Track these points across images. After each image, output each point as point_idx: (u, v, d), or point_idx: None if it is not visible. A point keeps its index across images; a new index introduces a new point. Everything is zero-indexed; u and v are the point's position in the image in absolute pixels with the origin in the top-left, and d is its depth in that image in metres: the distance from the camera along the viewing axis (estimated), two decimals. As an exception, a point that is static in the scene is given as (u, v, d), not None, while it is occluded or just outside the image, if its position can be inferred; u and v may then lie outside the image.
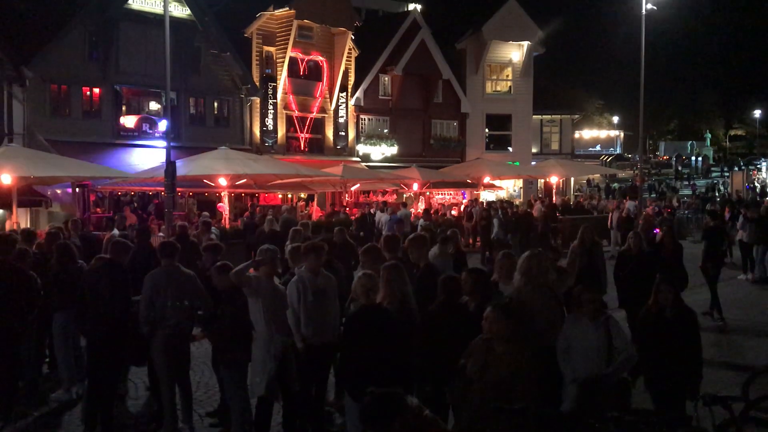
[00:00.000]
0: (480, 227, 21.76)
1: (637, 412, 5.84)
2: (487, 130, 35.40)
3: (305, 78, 28.67)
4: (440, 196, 32.19)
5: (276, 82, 27.30)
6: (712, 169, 69.18)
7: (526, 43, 34.66)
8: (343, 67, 29.05)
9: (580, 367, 5.58)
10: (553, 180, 31.56)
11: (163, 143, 19.90)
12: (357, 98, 30.27)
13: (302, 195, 27.33)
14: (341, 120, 29.66)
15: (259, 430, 6.36)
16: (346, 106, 29.81)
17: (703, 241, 13.34)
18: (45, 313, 7.91)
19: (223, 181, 18.29)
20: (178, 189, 17.64)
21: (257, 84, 26.74)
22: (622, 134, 48.85)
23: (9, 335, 7.14)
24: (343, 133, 29.76)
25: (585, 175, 45.42)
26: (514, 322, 5.14)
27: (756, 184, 51.59)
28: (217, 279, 6.66)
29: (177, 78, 22.30)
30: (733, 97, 76.84)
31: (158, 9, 21.94)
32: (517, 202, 31.28)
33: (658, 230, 14.28)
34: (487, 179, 28.38)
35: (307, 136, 28.84)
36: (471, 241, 23.06)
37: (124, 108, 24.08)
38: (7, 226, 14.71)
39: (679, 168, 66.04)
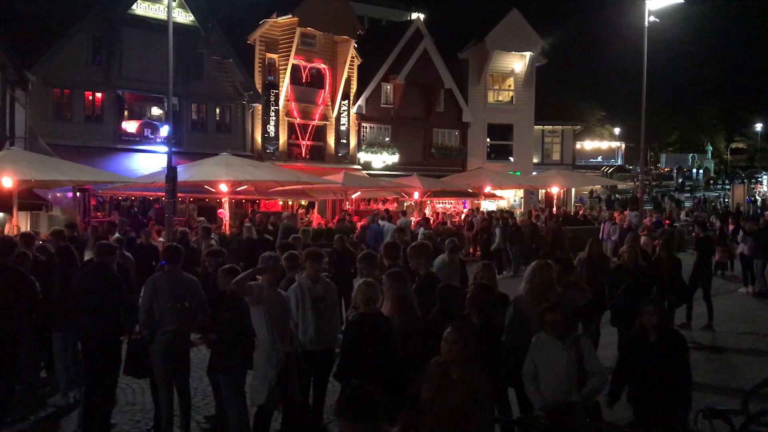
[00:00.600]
0: (480, 237, 21.75)
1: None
2: (488, 139, 35.44)
3: (307, 85, 28.72)
4: (440, 205, 32.21)
5: (278, 89, 27.36)
6: (713, 181, 69.23)
7: (528, 54, 34.75)
8: (345, 75, 29.10)
9: (549, 392, 5.24)
10: (554, 190, 31.57)
11: (164, 148, 19.94)
12: (359, 106, 30.32)
13: (303, 202, 27.33)
14: (343, 128, 29.70)
15: (257, 439, 6.31)
16: (348, 114, 29.86)
17: (695, 252, 13.41)
18: (44, 317, 7.88)
19: (224, 187, 18.30)
20: (178, 194, 17.64)
21: (259, 91, 26.79)
22: (623, 146, 48.97)
23: (7, 338, 7.12)
24: (344, 141, 29.79)
25: (586, 186, 45.48)
26: (474, 346, 4.70)
27: (757, 197, 51.62)
28: (223, 282, 6.64)
29: (179, 84, 22.35)
30: (735, 110, 77.02)
31: (162, 15, 22.00)
32: (517, 212, 31.29)
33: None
34: (488, 189, 28.40)
35: (308, 143, 28.88)
36: (471, 250, 23.04)
37: (126, 113, 24.12)
38: (6, 229, 14.70)
39: (680, 180, 66.09)
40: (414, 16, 36.12)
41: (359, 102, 30.27)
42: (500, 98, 36.08)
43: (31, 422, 7.40)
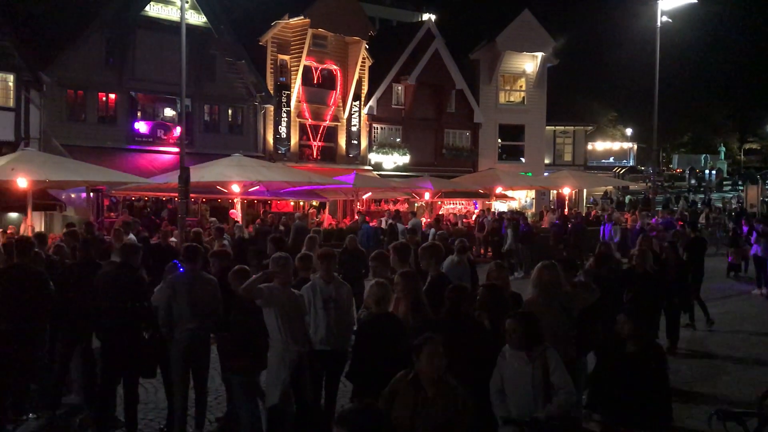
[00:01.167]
0: (491, 238, 21.71)
1: None
2: (499, 140, 35.38)
3: (319, 86, 28.79)
4: (451, 206, 32.18)
5: (290, 91, 27.44)
6: (725, 182, 68.71)
7: (540, 54, 34.68)
8: (356, 76, 29.15)
9: (514, 407, 4.94)
10: (566, 191, 31.47)
11: (176, 149, 20.05)
12: (370, 107, 30.36)
13: (314, 203, 27.40)
14: (354, 128, 29.74)
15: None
16: (359, 115, 29.90)
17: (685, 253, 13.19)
18: (59, 316, 7.94)
19: (236, 188, 18.37)
20: (191, 195, 17.73)
21: (271, 92, 26.88)
22: (635, 147, 48.72)
23: (24, 337, 7.18)
24: (355, 142, 29.84)
25: (597, 187, 45.26)
26: (447, 359, 4.38)
27: (770, 198, 51.11)
28: (234, 284, 6.68)
29: (192, 85, 22.47)
30: (748, 110, 76.34)
31: (175, 16, 22.14)
32: (529, 213, 31.20)
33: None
34: (499, 189, 28.34)
35: (319, 144, 28.94)
36: (482, 251, 23.01)
37: (139, 114, 24.26)
38: (21, 229, 14.83)
39: (693, 181, 65.62)
40: (425, 17, 36.12)
41: (370, 103, 30.31)
42: (512, 99, 36.02)
43: (45, 420, 7.44)
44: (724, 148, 76.22)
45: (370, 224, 20.24)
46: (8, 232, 15.23)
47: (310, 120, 28.49)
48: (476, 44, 34.44)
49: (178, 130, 21.89)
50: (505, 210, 28.88)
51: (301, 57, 27.31)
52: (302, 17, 26.77)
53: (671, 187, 63.58)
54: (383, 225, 22.10)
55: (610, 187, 49.38)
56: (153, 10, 23.01)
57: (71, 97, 22.48)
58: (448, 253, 8.73)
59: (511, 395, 4.95)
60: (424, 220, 24.38)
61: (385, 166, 30.80)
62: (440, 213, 28.90)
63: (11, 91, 20.72)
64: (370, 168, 29.83)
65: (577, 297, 6.57)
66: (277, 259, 6.46)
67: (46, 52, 21.18)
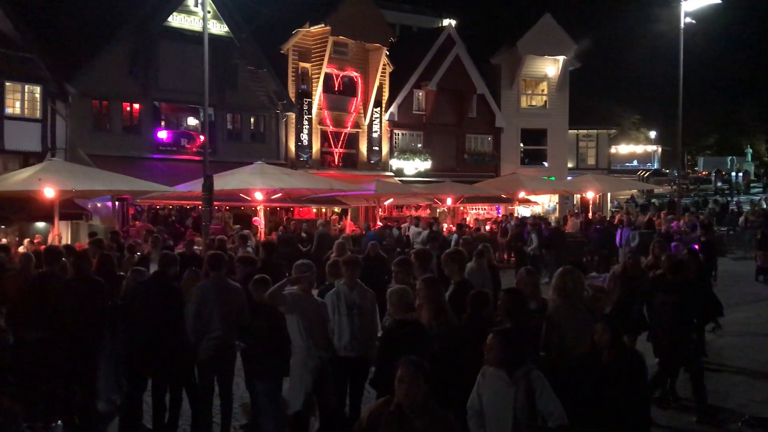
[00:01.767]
0: (514, 243, 21.56)
1: None
2: (522, 144, 35.20)
3: (340, 93, 28.89)
4: (474, 211, 32.06)
5: (311, 98, 27.57)
6: (753, 184, 67.65)
7: (561, 58, 34.48)
8: (377, 83, 29.21)
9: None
10: (590, 195, 31.19)
11: (200, 158, 20.21)
12: (391, 113, 30.39)
13: (336, 209, 27.46)
14: (375, 135, 29.79)
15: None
16: (380, 121, 29.94)
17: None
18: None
19: (259, 196, 18.47)
20: (215, 203, 17.86)
21: (293, 100, 27.03)
22: (659, 149, 48.07)
23: (79, 346, 7.15)
24: (376, 148, 29.88)
25: (622, 191, 44.83)
26: (431, 383, 4.05)
27: (799, 200, 50.22)
28: (256, 293, 6.71)
29: (214, 94, 22.65)
30: (776, 111, 75.16)
31: (197, 26, 22.38)
32: (552, 217, 30.98)
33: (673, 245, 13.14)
34: (522, 194, 28.17)
35: (341, 150, 29.03)
36: (505, 256, 22.88)
37: (162, 123, 24.53)
38: (49, 239, 15.04)
39: (719, 183, 64.72)
40: (446, 22, 36.04)
41: (391, 109, 30.34)
42: (533, 103, 35.83)
43: (74, 426, 7.49)
44: (750, 150, 75.00)
45: (393, 227, 20.27)
46: (35, 241, 15.48)
47: (331, 127, 28.59)
48: (497, 49, 34.32)
49: (201, 139, 22.08)
50: (528, 215, 28.70)
51: (322, 64, 27.44)
52: (323, 25, 26.90)
53: (697, 190, 62.79)
54: (406, 232, 22.08)
55: (634, 191, 48.91)
56: (176, 21, 23.29)
57: (96, 108, 22.79)
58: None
59: (490, 418, 4.56)
60: (445, 226, 24.34)
61: (407, 171, 30.79)
62: (465, 218, 28.81)
63: (38, 103, 21.08)
64: (391, 174, 29.84)
65: (599, 301, 6.53)
66: (299, 266, 6.50)
67: (72, 64, 21.51)
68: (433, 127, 31.83)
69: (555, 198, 35.81)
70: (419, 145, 31.66)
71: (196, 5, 23.45)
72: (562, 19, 34.66)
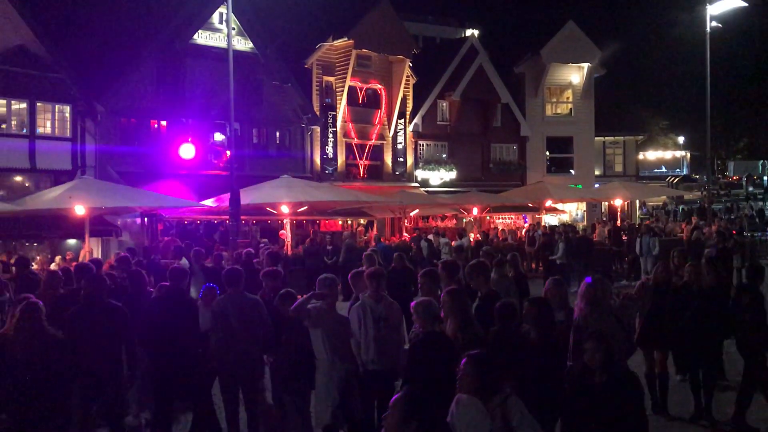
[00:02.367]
0: (542, 252, 21.38)
1: None
2: (547, 152, 34.97)
3: (364, 106, 29.01)
4: (500, 221, 31.88)
5: (335, 111, 27.72)
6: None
7: (586, 65, 34.24)
8: (401, 95, 29.28)
9: None
10: (618, 203, 30.82)
11: (226, 173, 20.41)
12: (415, 124, 30.42)
13: (362, 221, 27.51)
14: (400, 146, 29.83)
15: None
16: (405, 133, 29.98)
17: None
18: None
19: (285, 209, 18.58)
20: (242, 217, 18.00)
21: (317, 113, 27.20)
22: (688, 155, 47.49)
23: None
24: (401, 159, 29.91)
25: (651, 198, 44.23)
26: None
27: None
28: (281, 307, 6.73)
29: (240, 109, 22.85)
30: (807, 113, 73.76)
31: (222, 43, 22.66)
32: (580, 225, 30.67)
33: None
34: (549, 203, 27.97)
35: (366, 162, 29.11)
36: (534, 265, 22.71)
37: (190, 139, 24.79)
38: (81, 256, 15.27)
39: (750, 188, 63.55)
40: (468, 32, 36.11)
41: (415, 120, 30.38)
42: (559, 111, 35.61)
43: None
44: (783, 153, 73.50)
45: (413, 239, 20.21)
46: (67, 258, 15.73)
47: (356, 139, 28.70)
48: (521, 57, 34.19)
49: (227, 154, 22.29)
50: (556, 224, 28.46)
51: (345, 78, 27.59)
52: (346, 39, 27.07)
53: (728, 195, 61.74)
54: (436, 243, 21.91)
55: (664, 197, 48.23)
56: (201, 38, 23.59)
57: (124, 125, 23.15)
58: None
59: None
60: (472, 236, 24.24)
61: (432, 182, 30.76)
62: (492, 227, 28.65)
63: (68, 122, 21.46)
64: (416, 185, 29.84)
65: (627, 308, 6.49)
66: (323, 280, 6.51)
67: (100, 83, 21.88)
68: (457, 137, 31.79)
69: (582, 206, 35.48)
70: (444, 156, 31.63)
71: (221, 22, 23.76)
72: (586, 26, 34.46)
